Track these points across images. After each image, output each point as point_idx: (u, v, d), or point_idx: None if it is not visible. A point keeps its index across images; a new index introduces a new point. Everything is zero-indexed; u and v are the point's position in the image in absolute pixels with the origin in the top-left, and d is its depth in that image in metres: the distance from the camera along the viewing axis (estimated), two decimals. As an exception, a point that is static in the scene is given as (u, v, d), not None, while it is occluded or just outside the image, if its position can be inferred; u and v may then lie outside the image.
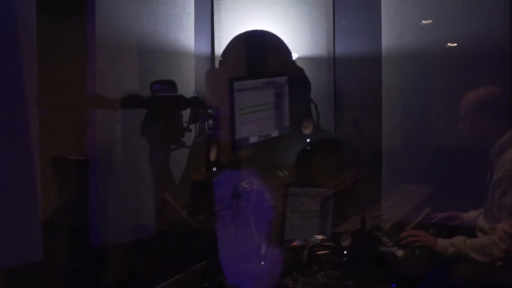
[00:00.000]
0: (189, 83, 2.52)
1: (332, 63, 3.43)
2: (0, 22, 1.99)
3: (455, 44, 3.20)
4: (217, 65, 2.32)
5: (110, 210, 2.28)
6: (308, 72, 3.34)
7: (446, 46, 3.20)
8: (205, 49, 3.13)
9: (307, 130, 2.46)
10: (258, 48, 2.30)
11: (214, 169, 2.20)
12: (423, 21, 3.27)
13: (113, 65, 2.48)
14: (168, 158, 2.07)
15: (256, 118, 2.22)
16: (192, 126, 2.07)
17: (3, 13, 2.00)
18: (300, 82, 2.37)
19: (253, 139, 2.22)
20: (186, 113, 2.08)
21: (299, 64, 3.28)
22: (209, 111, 2.09)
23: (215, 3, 3.18)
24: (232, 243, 2.19)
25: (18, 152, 2.05)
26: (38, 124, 2.07)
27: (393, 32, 3.28)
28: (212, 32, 3.17)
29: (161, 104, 2.05)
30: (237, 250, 2.20)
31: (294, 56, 3.29)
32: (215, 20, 3.17)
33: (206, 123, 2.13)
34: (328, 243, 2.41)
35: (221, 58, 2.31)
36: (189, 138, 2.12)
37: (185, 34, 2.91)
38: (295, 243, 2.37)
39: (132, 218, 2.27)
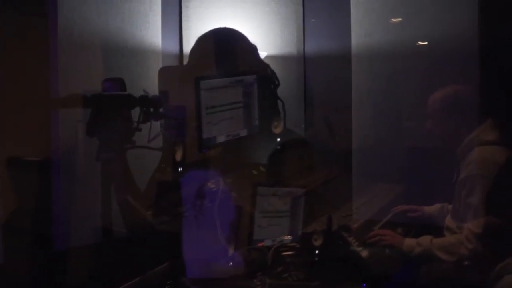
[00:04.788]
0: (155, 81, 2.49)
1: (302, 61, 3.42)
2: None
3: (426, 43, 3.21)
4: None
5: (72, 212, 2.26)
6: (278, 70, 3.33)
7: (417, 44, 3.22)
8: (173, 47, 3.11)
9: (277, 130, 2.44)
10: (222, 46, 2.27)
11: (179, 169, 2.17)
12: (392, 20, 3.28)
13: (77, 64, 2.45)
14: (122, 158, 2.03)
15: (224, 117, 2.20)
16: (142, 126, 2.04)
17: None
18: (267, 79, 2.34)
19: (220, 139, 2.19)
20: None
21: (268, 62, 3.29)
22: (161, 110, 2.06)
23: (183, 1, 3.16)
24: (197, 244, 2.17)
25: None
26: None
27: (362, 31, 3.28)
28: (180, 30, 3.14)
29: (107, 103, 2.01)
30: (202, 251, 2.18)
31: (263, 54, 3.28)
32: (183, 18, 3.15)
33: (159, 122, 2.09)
34: (293, 244, 2.39)
35: (189, 59, 2.29)
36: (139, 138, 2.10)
37: (152, 33, 2.89)
38: (261, 244, 2.35)
39: (94, 220, 2.24)
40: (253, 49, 2.28)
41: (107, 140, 1.97)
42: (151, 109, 2.00)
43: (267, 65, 2.31)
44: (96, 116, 1.94)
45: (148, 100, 2.01)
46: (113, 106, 2.00)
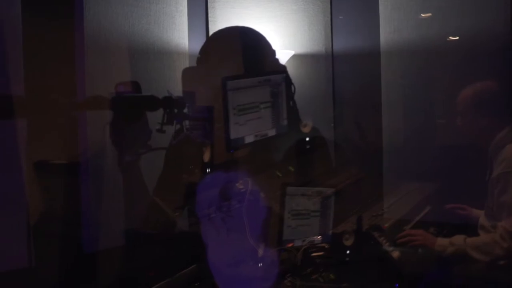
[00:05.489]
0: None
1: (330, 59, 3.39)
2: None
3: (457, 38, 3.15)
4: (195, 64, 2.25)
5: (100, 214, 2.26)
6: (306, 69, 3.33)
7: (447, 40, 3.16)
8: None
9: (306, 129, 2.42)
10: (238, 45, 2.25)
11: (207, 170, 2.16)
12: (421, 15, 3.24)
13: (104, 66, 2.46)
14: (138, 162, 2.03)
15: (251, 117, 2.17)
16: (166, 128, 2.02)
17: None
18: (289, 79, 2.32)
19: (249, 139, 2.17)
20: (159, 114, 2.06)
21: (296, 61, 3.26)
22: (185, 111, 2.04)
23: (209, 1, 3.15)
24: (225, 245, 2.15)
25: (5, 156, 2.03)
26: (26, 128, 2.06)
27: (391, 27, 3.25)
28: (207, 31, 3.13)
29: (129, 105, 2.00)
30: (230, 253, 2.16)
31: (291, 53, 3.26)
32: (209, 18, 3.14)
33: (183, 123, 2.08)
34: (323, 244, 2.36)
35: (199, 55, 2.24)
36: (164, 140, 2.09)
37: (178, 34, 2.88)
38: (291, 244, 2.33)
39: (122, 222, 2.24)
40: (270, 48, 2.26)
41: (130, 142, 1.97)
42: (175, 110, 1.99)
43: (284, 66, 2.29)
44: (120, 118, 1.94)
45: (172, 101, 1.99)
46: (136, 108, 1.99)
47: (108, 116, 2.08)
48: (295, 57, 3.23)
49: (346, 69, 3.37)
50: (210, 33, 3.14)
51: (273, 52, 2.25)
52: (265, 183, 2.22)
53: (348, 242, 2.41)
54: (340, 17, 3.38)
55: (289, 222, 2.30)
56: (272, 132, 2.27)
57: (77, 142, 2.23)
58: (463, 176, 3.01)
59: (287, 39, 3.28)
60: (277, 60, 2.30)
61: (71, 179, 2.19)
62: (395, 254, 2.44)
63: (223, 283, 2.07)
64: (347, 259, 2.35)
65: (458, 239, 2.51)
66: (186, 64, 2.91)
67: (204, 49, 2.22)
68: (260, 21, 3.14)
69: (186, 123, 2.02)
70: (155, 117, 2.01)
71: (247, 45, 2.19)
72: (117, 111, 1.93)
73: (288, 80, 2.21)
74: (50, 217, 2.11)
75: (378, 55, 3.26)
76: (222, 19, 3.16)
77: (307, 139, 2.38)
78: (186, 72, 2.27)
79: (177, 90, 2.20)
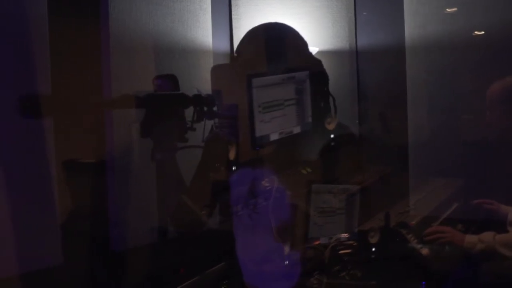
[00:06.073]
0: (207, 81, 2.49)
1: (354, 55, 3.38)
2: (11, 24, 1.98)
3: (483, 32, 3.12)
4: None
5: (128, 212, 2.27)
6: (330, 66, 3.31)
7: (473, 34, 3.13)
8: (224, 46, 3.10)
9: (331, 126, 2.40)
10: (273, 42, 2.23)
11: (233, 168, 2.15)
12: (447, 9, 3.21)
13: (129, 65, 2.47)
14: (174, 158, 2.03)
15: (276, 114, 2.16)
16: (196, 125, 2.03)
17: (14, 15, 2.00)
18: (319, 75, 2.30)
19: (274, 136, 2.16)
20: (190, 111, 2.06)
21: (320, 58, 3.25)
22: (214, 109, 2.04)
23: (233, -1, 3.16)
24: (251, 243, 2.15)
25: (33, 155, 2.05)
26: (53, 127, 2.07)
27: (416, 22, 3.22)
28: (230, 28, 3.13)
29: (161, 103, 2.00)
30: (257, 250, 2.16)
31: (315, 50, 3.24)
32: (233, 16, 3.14)
33: (213, 121, 2.07)
34: (351, 242, 2.35)
35: (235, 54, 2.24)
36: (194, 137, 2.09)
37: (202, 32, 2.88)
38: (317, 242, 2.32)
39: (150, 220, 2.25)
40: (305, 44, 2.24)
41: (162, 140, 1.97)
42: (205, 108, 1.99)
43: (319, 61, 2.27)
44: (151, 116, 1.94)
45: (202, 99, 1.99)
46: (167, 105, 1.99)
47: (135, 114, 2.09)
48: (319, 53, 3.21)
49: (370, 65, 3.35)
50: (234, 30, 3.15)
51: (307, 48, 2.24)
52: (291, 181, 2.21)
53: (373, 240, 2.40)
54: (364, 13, 3.36)
55: (315, 219, 2.29)
56: (297, 129, 2.26)
57: (104, 141, 2.25)
58: (490, 172, 2.97)
59: (310, 36, 3.26)
60: (312, 55, 2.29)
61: (99, 178, 2.21)
62: (423, 251, 2.42)
63: (251, 280, 2.07)
64: (374, 256, 2.34)
65: (487, 236, 2.46)
66: (210, 62, 2.91)
67: (239, 47, 2.21)
68: (283, 18, 3.12)
69: (215, 121, 2.02)
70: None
71: (284, 42, 2.18)
72: (150, 109, 1.93)
73: (324, 75, 2.20)
74: (78, 215, 2.13)
75: (403, 50, 3.23)
76: (245, 17, 3.15)
77: (333, 136, 2.37)
78: (216, 70, 2.26)
79: (202, 88, 2.20)
